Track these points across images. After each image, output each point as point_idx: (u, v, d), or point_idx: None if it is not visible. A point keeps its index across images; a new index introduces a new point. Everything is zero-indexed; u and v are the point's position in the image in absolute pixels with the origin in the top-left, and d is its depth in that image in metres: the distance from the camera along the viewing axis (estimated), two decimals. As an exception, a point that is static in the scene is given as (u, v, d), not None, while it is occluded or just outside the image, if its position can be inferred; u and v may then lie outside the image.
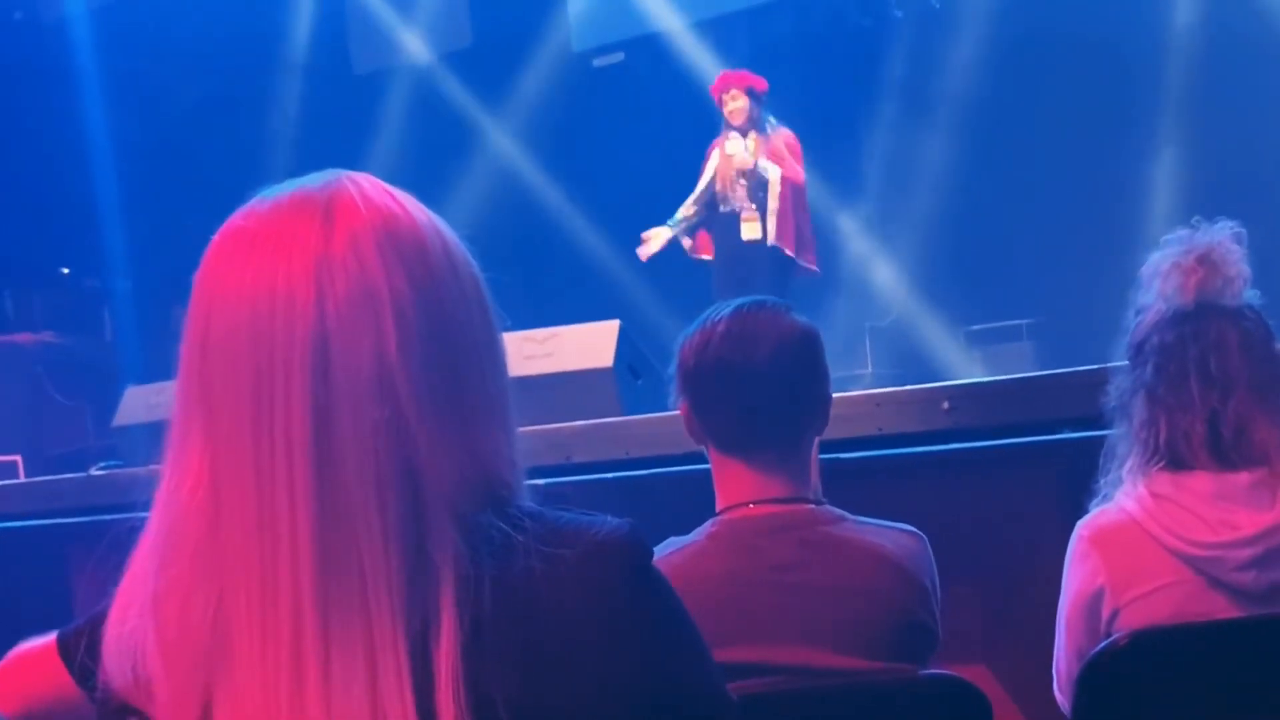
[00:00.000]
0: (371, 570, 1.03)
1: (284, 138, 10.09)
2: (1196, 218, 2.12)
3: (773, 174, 6.62)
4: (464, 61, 9.43)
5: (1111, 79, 7.60)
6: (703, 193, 6.72)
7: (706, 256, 6.80)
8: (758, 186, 6.60)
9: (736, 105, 6.66)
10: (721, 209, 6.71)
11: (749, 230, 6.62)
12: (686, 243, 6.85)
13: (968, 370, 7.49)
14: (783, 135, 6.70)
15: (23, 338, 9.85)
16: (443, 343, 1.08)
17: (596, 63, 9.28)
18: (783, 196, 6.61)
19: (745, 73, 6.86)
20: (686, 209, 6.77)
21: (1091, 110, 7.59)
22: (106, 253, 10.48)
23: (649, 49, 9.07)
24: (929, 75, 8.08)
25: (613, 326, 6.77)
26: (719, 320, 1.99)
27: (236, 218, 1.12)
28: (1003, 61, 7.82)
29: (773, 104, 8.46)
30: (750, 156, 6.58)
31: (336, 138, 9.56)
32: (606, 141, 9.15)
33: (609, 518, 1.10)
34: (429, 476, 1.05)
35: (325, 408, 1.04)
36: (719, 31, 8.81)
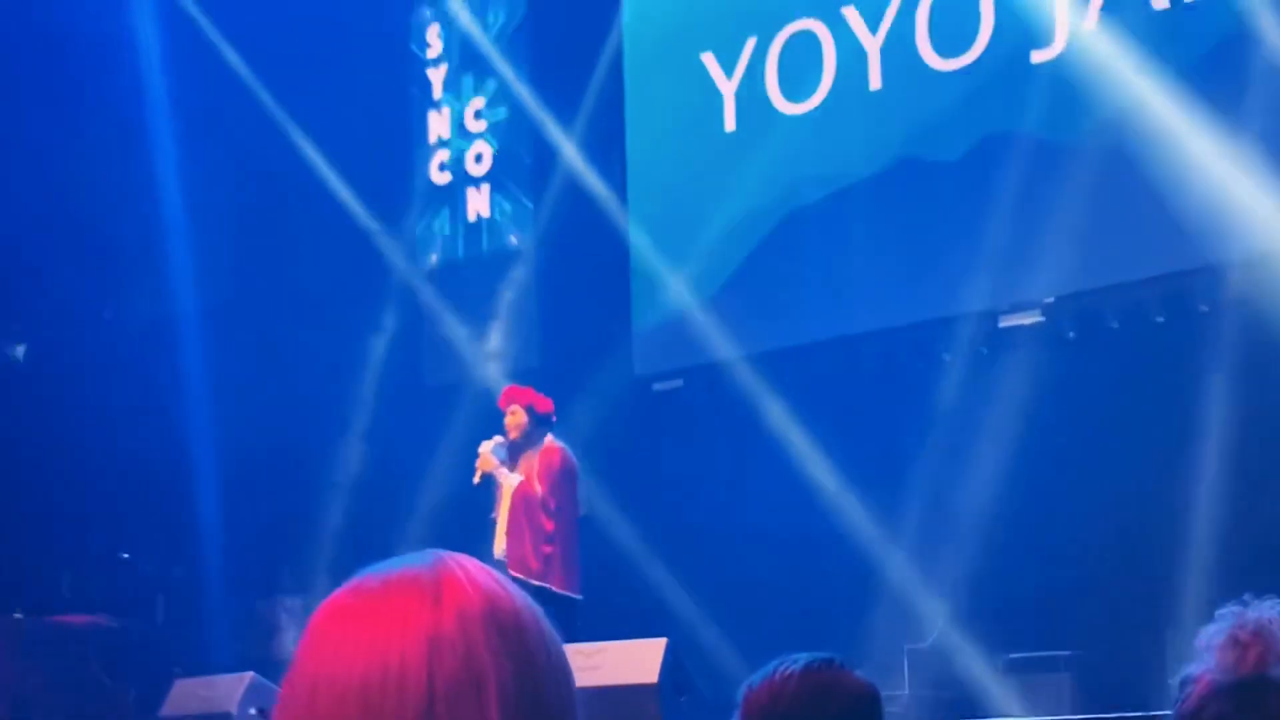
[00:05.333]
0: None
1: (354, 445, 10.50)
2: (1248, 595, 2.14)
3: (509, 482, 6.86)
4: (530, 379, 9.85)
5: (1153, 419, 7.81)
6: None
7: None
8: (495, 500, 6.90)
9: (514, 420, 6.97)
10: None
11: (496, 545, 6.90)
12: None
13: (1004, 700, 7.50)
14: (544, 451, 6.96)
15: (77, 619, 10.01)
16: (535, 717, 1.12)
17: (656, 387, 9.67)
18: (513, 509, 6.82)
19: (529, 390, 7.22)
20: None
21: (1134, 450, 7.80)
22: (164, 539, 10.71)
23: (706, 377, 9.44)
24: (974, 414, 8.32)
25: (659, 644, 6.91)
26: (789, 676, 2.06)
27: (344, 594, 1.14)
28: (1047, 402, 8.07)
29: (820, 432, 8.78)
30: (493, 459, 6.88)
31: (403, 444, 9.94)
32: (660, 461, 9.46)
33: None
34: None
35: None
36: (772, 365, 9.15)
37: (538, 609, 1.16)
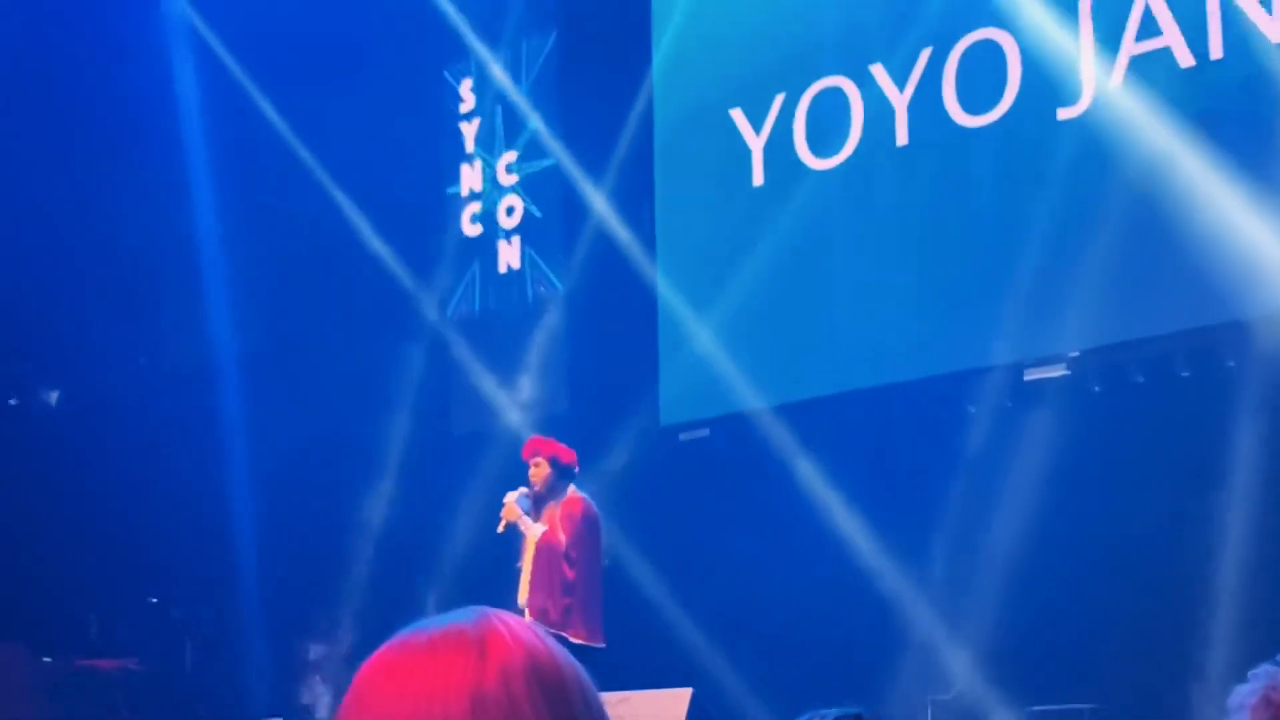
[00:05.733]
0: None
1: (382, 492, 10.57)
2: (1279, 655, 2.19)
3: (531, 533, 6.95)
4: (559, 427, 9.93)
5: (1179, 474, 7.79)
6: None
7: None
8: (520, 550, 7.01)
9: (538, 472, 7.09)
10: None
11: (520, 593, 6.95)
12: None
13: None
14: (566, 502, 7.05)
15: (104, 663, 10.07)
16: None
17: (683, 437, 9.74)
18: (536, 558, 6.89)
19: (552, 441, 7.33)
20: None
21: (1160, 504, 7.78)
22: (192, 583, 10.78)
23: (733, 427, 9.50)
24: (999, 467, 8.35)
25: (684, 694, 6.96)
26: None
27: (390, 649, 1.17)
28: (1072, 456, 8.08)
29: (846, 482, 8.82)
30: (517, 509, 6.99)
31: (432, 491, 10.01)
32: (686, 510, 9.50)
33: None
34: None
35: None
36: (798, 416, 9.21)
37: (578, 664, 1.18)
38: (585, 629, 6.99)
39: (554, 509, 7.04)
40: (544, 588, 6.95)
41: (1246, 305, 7.68)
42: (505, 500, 7.15)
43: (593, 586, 7.12)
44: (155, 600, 10.80)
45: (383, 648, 1.17)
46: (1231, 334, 7.84)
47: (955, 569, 8.36)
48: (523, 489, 7.18)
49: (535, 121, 10.81)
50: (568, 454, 7.20)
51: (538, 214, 10.84)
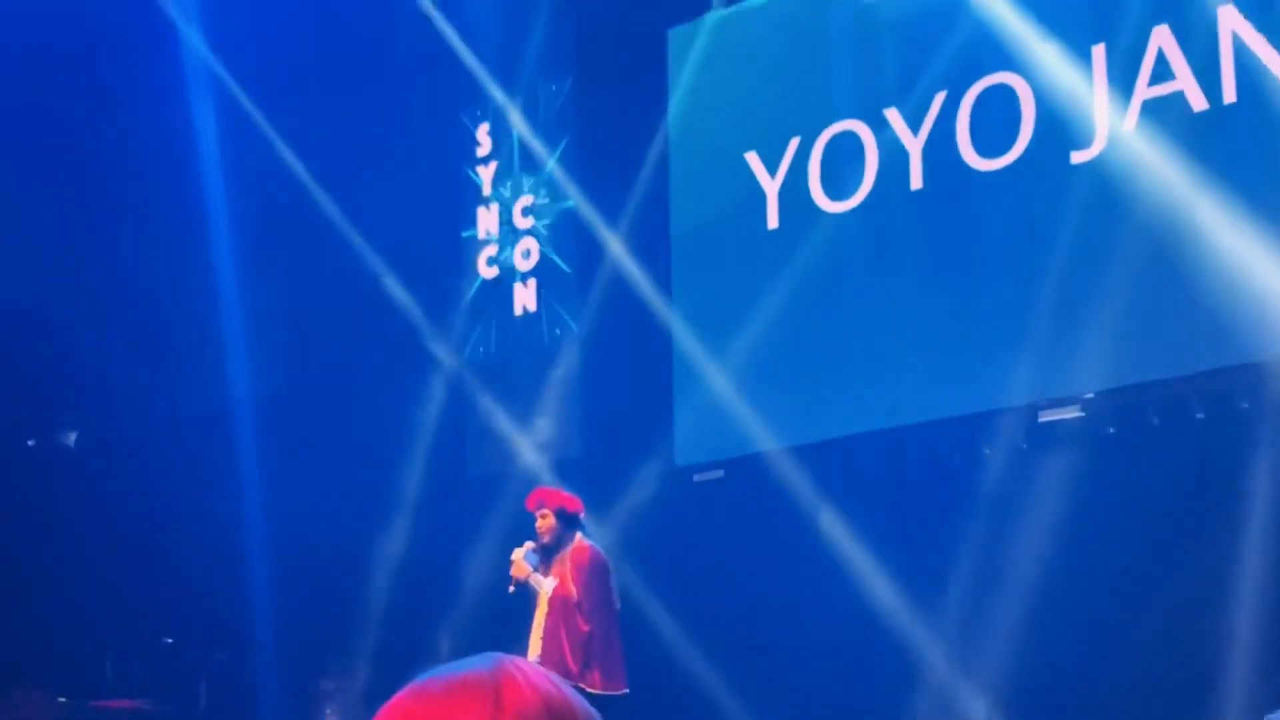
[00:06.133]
0: None
1: (398, 533, 10.59)
2: None
3: (544, 588, 6.88)
4: (573, 469, 9.95)
5: (1194, 516, 7.80)
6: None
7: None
8: (533, 601, 6.93)
9: (544, 524, 6.96)
10: None
11: (531, 649, 6.86)
12: None
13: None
14: (574, 552, 6.96)
15: (120, 704, 10.09)
16: None
17: (697, 478, 9.75)
18: (550, 613, 6.83)
19: (557, 491, 7.23)
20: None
21: (1176, 546, 7.77)
22: (208, 624, 10.79)
23: (747, 468, 9.52)
24: (1014, 509, 8.34)
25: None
26: None
27: (408, 695, 1.17)
28: (1087, 498, 8.08)
29: (861, 524, 8.82)
30: (526, 566, 6.89)
31: (448, 532, 10.02)
32: (700, 551, 9.50)
33: None
34: None
35: None
36: (813, 457, 9.23)
37: (595, 712, 1.19)
38: (604, 679, 6.93)
39: (564, 560, 6.98)
40: (560, 641, 6.88)
41: (1261, 347, 7.69)
42: (513, 558, 7.04)
43: (609, 635, 7.06)
44: (170, 641, 10.80)
45: (399, 694, 1.16)
46: (1246, 376, 7.84)
47: (971, 610, 8.34)
48: (529, 544, 7.08)
49: (551, 165, 10.90)
50: (573, 503, 7.12)
51: (554, 257, 10.90)
